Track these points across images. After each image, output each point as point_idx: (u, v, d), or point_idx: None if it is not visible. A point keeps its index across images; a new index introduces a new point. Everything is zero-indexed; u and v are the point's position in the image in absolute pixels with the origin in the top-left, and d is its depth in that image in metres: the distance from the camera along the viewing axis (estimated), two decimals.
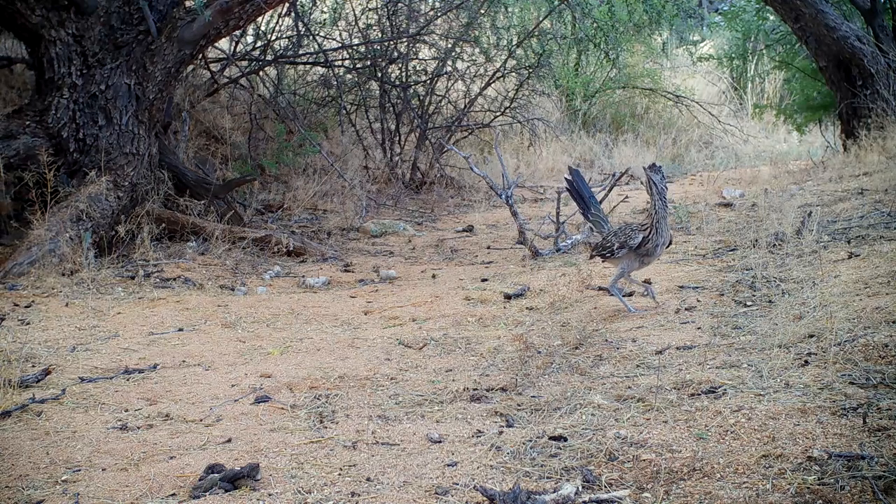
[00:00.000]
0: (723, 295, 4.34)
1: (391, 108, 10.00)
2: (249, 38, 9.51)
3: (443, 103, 10.37)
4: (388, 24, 9.75)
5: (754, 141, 13.43)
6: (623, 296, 4.61)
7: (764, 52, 14.32)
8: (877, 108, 8.76)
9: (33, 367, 3.64)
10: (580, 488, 2.30)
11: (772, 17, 12.59)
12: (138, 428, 2.99)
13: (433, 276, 5.92)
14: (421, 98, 10.14)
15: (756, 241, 5.38)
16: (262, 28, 9.21)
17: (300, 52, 9.20)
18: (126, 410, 3.19)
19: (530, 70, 10.49)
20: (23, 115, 6.01)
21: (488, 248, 7.07)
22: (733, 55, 15.32)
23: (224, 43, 8.89)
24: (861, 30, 9.39)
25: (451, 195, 9.86)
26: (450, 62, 10.06)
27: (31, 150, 5.81)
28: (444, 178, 10.10)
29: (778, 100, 14.78)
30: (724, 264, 5.13)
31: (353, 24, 9.82)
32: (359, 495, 2.35)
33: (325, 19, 9.80)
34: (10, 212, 5.84)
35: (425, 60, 10.27)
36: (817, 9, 8.91)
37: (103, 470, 2.60)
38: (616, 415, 2.86)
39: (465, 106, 10.23)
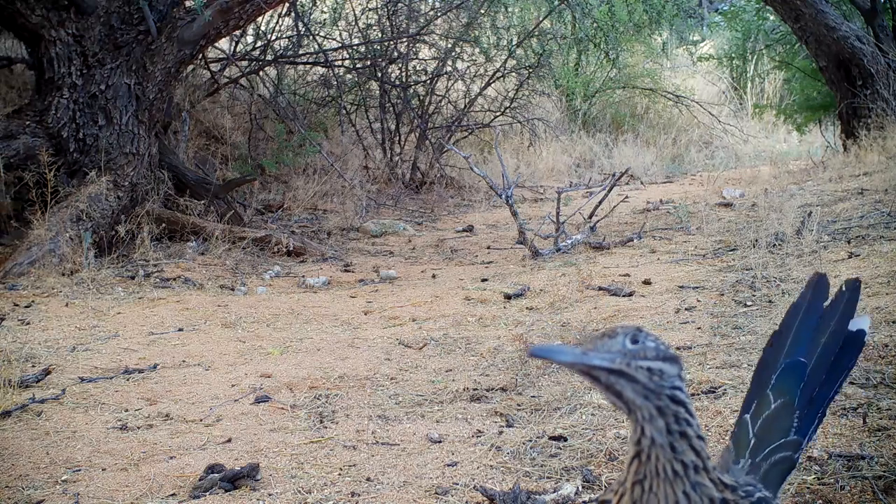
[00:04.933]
0: (723, 295, 4.34)
1: (391, 108, 9.99)
2: (249, 38, 9.50)
3: (443, 103, 10.37)
4: (388, 24, 9.74)
5: (754, 141, 13.42)
6: (623, 295, 4.61)
7: (764, 52, 14.31)
8: (877, 108, 8.75)
9: (33, 367, 3.64)
10: (580, 488, 2.30)
11: (772, 17, 12.58)
12: (138, 428, 2.99)
13: (433, 276, 5.92)
14: (421, 98, 10.14)
15: (756, 241, 5.38)
16: (262, 28, 9.21)
17: (300, 52, 9.20)
18: (126, 410, 3.19)
19: (530, 70, 10.48)
20: (23, 115, 6.01)
21: (488, 248, 7.07)
22: (733, 55, 15.30)
23: (224, 43, 8.88)
24: (861, 30, 9.39)
25: (451, 195, 9.85)
26: (450, 62, 10.05)
27: (31, 150, 5.81)
28: (444, 178, 10.10)
29: (778, 100, 14.77)
30: (724, 264, 5.13)
31: (353, 24, 9.82)
32: (359, 495, 2.35)
33: (325, 19, 9.79)
34: (10, 212, 5.83)
35: (425, 60, 10.27)
36: (817, 9, 8.90)
37: (103, 470, 2.60)
38: (616, 415, 2.86)
39: (465, 106, 10.22)
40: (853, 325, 1.50)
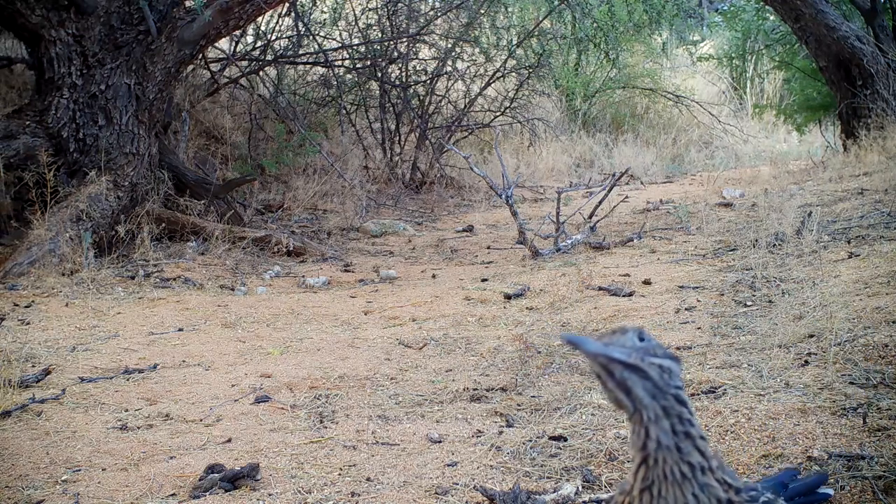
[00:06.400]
0: (723, 295, 4.34)
1: (391, 108, 9.99)
2: (249, 38, 9.50)
3: (443, 103, 10.37)
4: (388, 24, 9.75)
5: (754, 141, 13.42)
6: (623, 295, 4.61)
7: (764, 52, 14.31)
8: (877, 108, 8.74)
9: (33, 367, 3.64)
10: (580, 488, 2.30)
11: (772, 17, 12.58)
12: (138, 428, 2.99)
13: (433, 276, 5.92)
14: (421, 98, 10.14)
15: (756, 241, 5.38)
16: (262, 28, 9.21)
17: (300, 52, 9.20)
18: (126, 410, 3.19)
19: (530, 70, 10.49)
20: (23, 115, 6.01)
21: (488, 248, 7.07)
22: (733, 55, 15.30)
23: (224, 43, 8.88)
24: (861, 30, 9.38)
25: (451, 195, 9.85)
26: (450, 62, 10.05)
27: (31, 150, 5.81)
28: (444, 178, 10.10)
29: (778, 100, 14.76)
30: (724, 264, 5.13)
31: (353, 24, 9.82)
32: (359, 495, 2.35)
33: (325, 19, 9.79)
34: (10, 212, 5.83)
35: (425, 60, 10.27)
36: (817, 9, 8.90)
37: (103, 470, 2.60)
38: (616, 414, 2.86)
39: (465, 106, 10.22)
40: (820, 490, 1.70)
